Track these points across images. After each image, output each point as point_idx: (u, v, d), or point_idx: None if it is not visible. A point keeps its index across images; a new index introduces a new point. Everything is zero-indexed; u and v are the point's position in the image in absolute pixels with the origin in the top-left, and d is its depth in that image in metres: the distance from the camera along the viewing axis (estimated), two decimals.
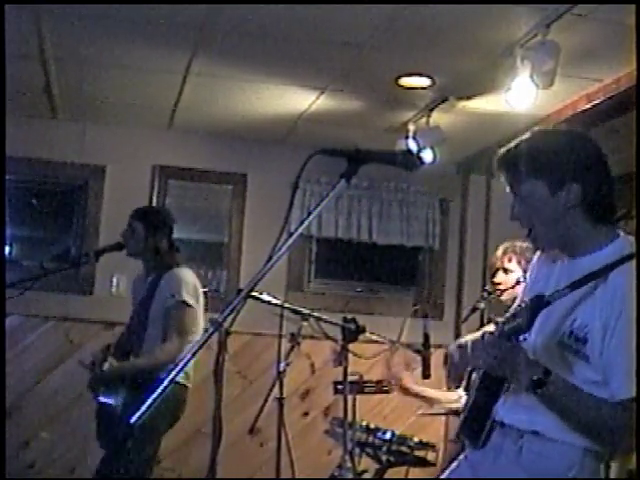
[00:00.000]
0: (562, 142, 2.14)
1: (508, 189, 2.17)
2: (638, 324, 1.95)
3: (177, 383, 3.87)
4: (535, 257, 2.35)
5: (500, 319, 2.07)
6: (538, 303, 1.95)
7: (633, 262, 2.00)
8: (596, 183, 2.10)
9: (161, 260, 4.18)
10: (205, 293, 4.28)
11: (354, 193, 5.88)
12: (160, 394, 1.85)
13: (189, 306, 4.07)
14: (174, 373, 1.88)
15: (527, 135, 2.17)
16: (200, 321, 4.15)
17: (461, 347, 2.41)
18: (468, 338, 2.90)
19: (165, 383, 1.87)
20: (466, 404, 2.27)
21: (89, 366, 4.10)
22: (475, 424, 2.16)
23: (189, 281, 4.13)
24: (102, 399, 4.00)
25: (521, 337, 2.00)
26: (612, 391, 1.97)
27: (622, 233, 2.14)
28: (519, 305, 2.08)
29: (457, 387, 3.94)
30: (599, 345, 1.99)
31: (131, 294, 4.43)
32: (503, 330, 2.01)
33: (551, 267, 2.22)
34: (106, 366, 4.02)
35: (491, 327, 2.32)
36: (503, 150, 2.17)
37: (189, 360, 1.86)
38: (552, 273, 2.20)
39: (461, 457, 2.30)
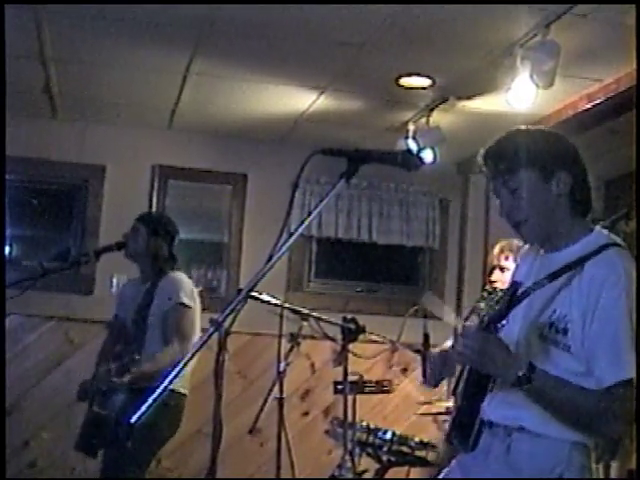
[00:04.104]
0: (548, 135, 2.22)
1: (493, 185, 2.20)
2: (639, 319, 1.97)
3: (175, 391, 3.87)
4: (520, 254, 2.40)
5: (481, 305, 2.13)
6: (514, 290, 2.02)
7: (610, 253, 2.06)
8: (581, 175, 2.17)
9: (158, 266, 4.15)
10: (201, 292, 4.27)
11: (354, 193, 5.88)
12: (160, 394, 1.85)
13: (188, 307, 4.05)
14: (174, 373, 1.88)
15: (509, 132, 2.21)
16: (198, 323, 4.13)
17: (443, 352, 2.43)
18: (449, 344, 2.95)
19: (165, 383, 1.88)
20: (454, 407, 2.28)
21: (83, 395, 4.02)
22: (464, 427, 2.17)
23: (186, 283, 4.12)
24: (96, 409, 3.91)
25: (499, 324, 2.02)
26: (596, 379, 2.00)
27: (597, 227, 2.20)
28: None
29: (435, 386, 3.93)
30: (579, 335, 2.03)
31: (117, 298, 4.40)
32: (483, 320, 2.04)
33: (533, 262, 2.27)
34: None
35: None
36: (491, 144, 2.21)
37: (189, 360, 1.86)
38: (532, 269, 2.24)
39: (453, 462, 2.31)
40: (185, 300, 4.04)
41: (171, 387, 3.84)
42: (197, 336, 4.07)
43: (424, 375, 3.91)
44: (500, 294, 2.09)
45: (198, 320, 4.12)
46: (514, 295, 2.02)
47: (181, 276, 4.16)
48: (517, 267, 2.38)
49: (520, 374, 1.97)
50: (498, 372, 2.05)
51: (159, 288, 4.10)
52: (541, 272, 2.13)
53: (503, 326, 2.03)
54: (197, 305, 4.16)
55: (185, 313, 4.04)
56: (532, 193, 2.14)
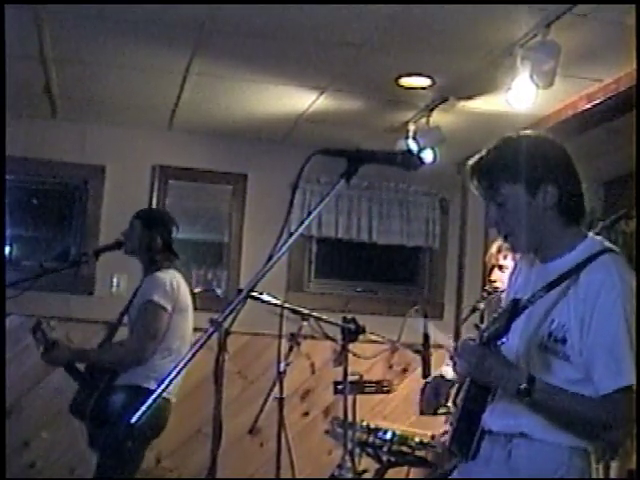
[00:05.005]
0: (533, 146, 2.17)
1: (482, 197, 2.20)
2: (638, 324, 1.97)
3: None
4: (515, 262, 2.40)
5: (481, 324, 2.11)
6: (514, 307, 2.00)
7: (604, 259, 2.06)
8: (570, 184, 2.14)
9: (153, 259, 4.12)
10: (196, 293, 4.26)
11: (354, 193, 5.88)
12: (159, 395, 1.85)
13: (160, 307, 3.97)
14: (174, 373, 1.88)
15: (496, 142, 2.19)
16: (181, 328, 4.05)
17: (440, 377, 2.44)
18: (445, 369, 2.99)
19: (165, 384, 1.88)
20: (454, 417, 2.28)
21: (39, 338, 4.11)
22: (464, 436, 2.17)
23: (165, 283, 4.02)
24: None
25: (499, 342, 2.02)
26: (595, 387, 2.01)
27: (590, 233, 2.19)
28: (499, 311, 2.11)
29: (432, 414, 3.99)
30: (578, 343, 2.03)
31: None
32: (482, 336, 2.04)
33: (528, 273, 2.26)
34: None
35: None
36: (475, 159, 2.20)
37: (189, 360, 1.86)
38: (529, 278, 2.23)
39: (455, 471, 2.32)
40: (155, 298, 3.96)
41: (146, 385, 3.88)
42: (176, 343, 4.02)
43: (424, 376, 3.93)
44: (500, 310, 2.07)
45: (181, 325, 4.06)
46: (514, 311, 2.00)
47: (166, 275, 4.06)
48: (511, 279, 2.37)
49: (520, 387, 1.98)
50: (498, 385, 2.06)
51: (142, 286, 4.10)
52: (538, 283, 2.13)
53: (503, 343, 2.03)
54: (185, 310, 4.09)
55: (153, 311, 3.96)
56: (518, 208, 2.13)
